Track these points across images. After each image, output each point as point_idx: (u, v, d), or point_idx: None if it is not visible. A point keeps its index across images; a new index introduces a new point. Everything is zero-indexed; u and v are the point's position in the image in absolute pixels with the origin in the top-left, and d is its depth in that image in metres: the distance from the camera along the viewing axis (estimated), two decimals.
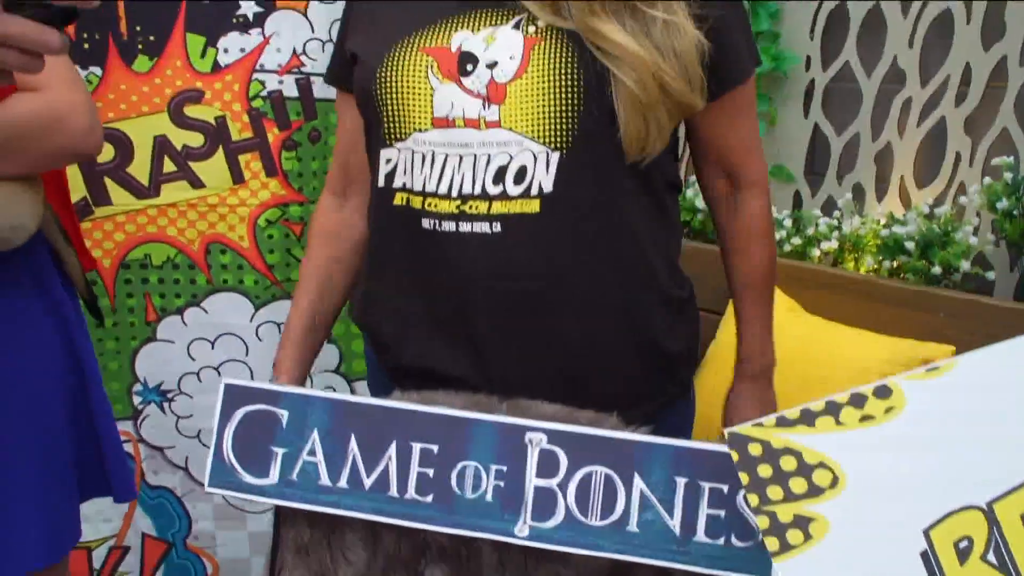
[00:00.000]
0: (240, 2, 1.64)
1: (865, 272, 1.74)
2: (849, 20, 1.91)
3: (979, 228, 1.70)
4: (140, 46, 1.64)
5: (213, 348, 1.80)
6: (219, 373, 1.80)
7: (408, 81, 0.94)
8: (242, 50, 1.66)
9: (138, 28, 1.64)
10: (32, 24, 0.70)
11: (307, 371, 1.17)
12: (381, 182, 0.99)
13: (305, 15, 1.68)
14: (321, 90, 1.72)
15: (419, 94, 0.93)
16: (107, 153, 1.67)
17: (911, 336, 1.56)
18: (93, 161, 1.65)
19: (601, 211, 0.94)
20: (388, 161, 0.97)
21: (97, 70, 1.64)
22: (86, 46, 1.62)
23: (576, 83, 0.89)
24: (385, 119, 0.96)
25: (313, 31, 1.69)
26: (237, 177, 1.71)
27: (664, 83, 0.88)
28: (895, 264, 1.70)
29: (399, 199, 0.97)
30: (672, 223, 1.04)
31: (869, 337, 1.56)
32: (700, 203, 2.00)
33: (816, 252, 1.84)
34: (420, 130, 0.94)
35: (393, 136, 0.96)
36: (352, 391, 1.96)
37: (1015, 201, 1.52)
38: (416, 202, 0.95)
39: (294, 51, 1.69)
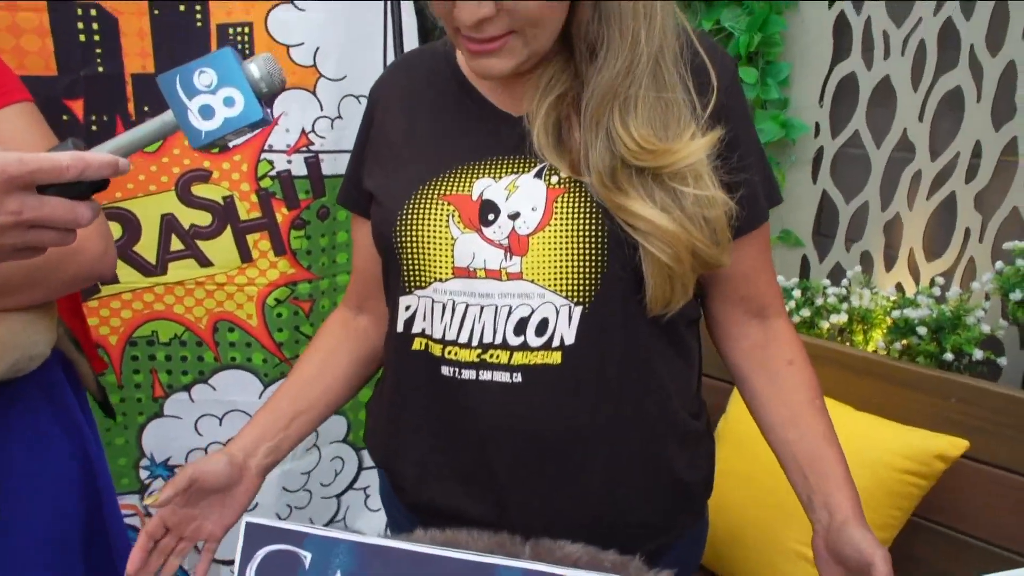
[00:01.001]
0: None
1: (874, 349, 1.73)
2: (859, 90, 1.91)
3: (989, 309, 1.70)
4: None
5: (221, 424, 1.79)
6: None
7: (429, 230, 0.93)
8: None
9: (146, 108, 1.62)
10: (64, 203, 0.69)
11: (273, 456, 1.06)
12: (400, 327, 0.97)
13: (314, 93, 1.67)
14: (330, 167, 1.71)
15: (440, 243, 0.92)
16: (115, 232, 1.66)
17: (923, 420, 1.56)
18: None
19: (623, 363, 0.93)
20: (407, 308, 0.96)
21: None
22: (94, 127, 1.61)
23: (600, 239, 0.88)
24: (405, 268, 0.95)
25: (322, 109, 1.68)
26: (245, 256, 1.69)
27: (696, 251, 0.88)
28: (905, 343, 1.70)
29: (418, 344, 0.96)
30: (692, 358, 1.03)
31: (881, 425, 1.56)
32: None
33: (825, 324, 1.84)
34: (441, 279, 0.93)
35: (413, 284, 0.95)
36: (359, 461, 1.96)
37: None
38: (436, 349, 0.94)
39: (303, 130, 1.67)
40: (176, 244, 1.69)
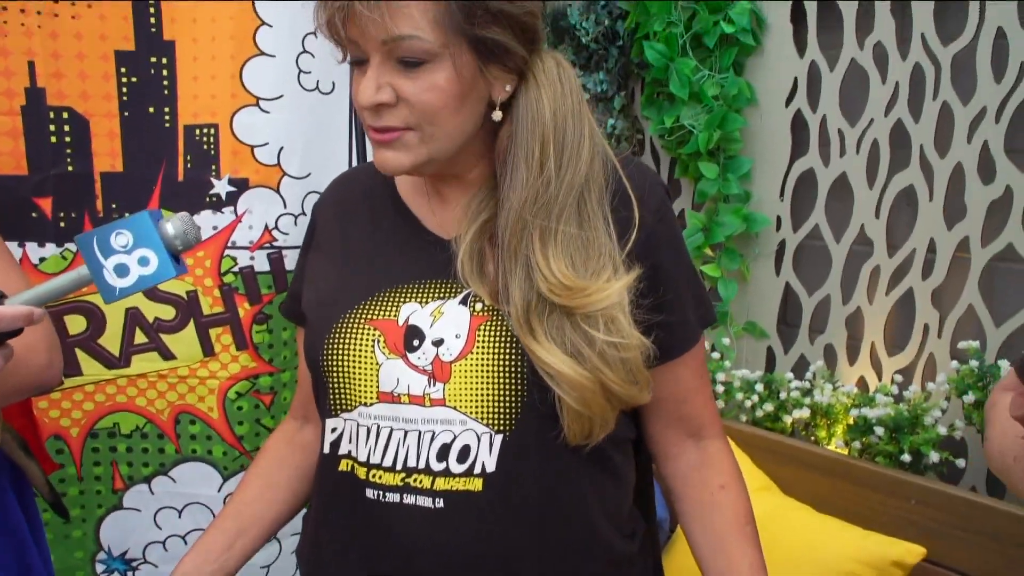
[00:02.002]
0: (214, 181, 1.67)
1: (834, 448, 1.73)
2: (817, 185, 1.95)
3: (949, 409, 1.70)
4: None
5: (180, 517, 1.78)
6: (185, 542, 1.78)
7: (354, 355, 0.94)
8: (215, 227, 1.68)
9: (114, 205, 1.66)
10: None
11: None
12: (326, 449, 0.98)
13: (278, 191, 1.71)
14: (293, 262, 1.73)
15: (365, 368, 0.94)
16: (79, 325, 1.68)
17: (884, 521, 1.56)
18: (64, 336, 1.66)
19: (544, 490, 0.93)
20: (333, 430, 0.97)
21: (72, 247, 1.65)
22: (62, 224, 1.64)
23: (520, 370, 0.89)
24: (331, 391, 0.96)
25: (285, 206, 1.72)
26: (208, 350, 1.71)
27: (609, 390, 0.88)
28: (865, 442, 1.70)
29: (344, 465, 0.97)
30: (623, 477, 1.03)
31: (840, 529, 1.55)
32: None
33: (788, 419, 1.84)
34: (365, 404, 0.94)
35: (339, 407, 0.96)
36: None
37: (982, 392, 1.52)
38: (361, 472, 0.95)
39: (266, 226, 1.70)
40: (140, 337, 1.71)
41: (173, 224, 0.76)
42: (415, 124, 0.86)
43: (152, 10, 1.61)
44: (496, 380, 0.90)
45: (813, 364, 1.92)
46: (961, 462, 1.65)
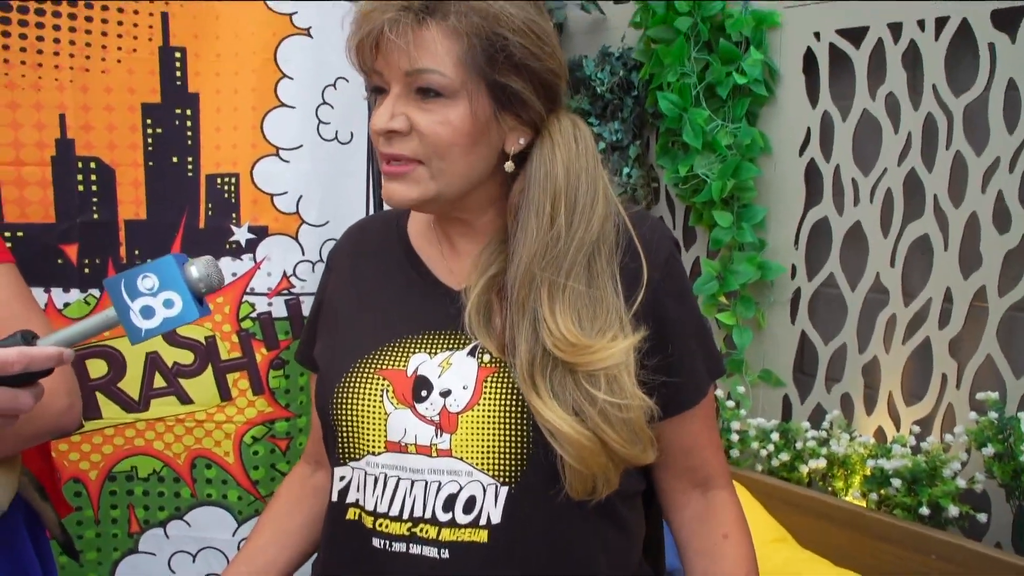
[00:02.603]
0: (234, 228, 1.70)
1: (852, 500, 1.71)
2: (832, 233, 1.95)
3: (970, 462, 1.67)
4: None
5: (194, 561, 1.79)
6: None
7: (363, 405, 0.95)
8: (234, 274, 1.71)
9: (137, 252, 1.70)
10: (7, 393, 0.74)
11: None
12: (335, 497, 0.99)
13: (296, 239, 1.74)
14: (309, 308, 1.76)
15: (374, 418, 0.95)
16: (100, 369, 1.71)
17: None
18: (85, 379, 1.69)
19: (549, 543, 0.93)
20: (342, 479, 0.98)
21: (96, 292, 1.69)
22: (87, 270, 1.68)
23: (525, 424, 0.90)
24: (340, 440, 0.97)
25: (303, 253, 1.75)
26: (224, 394, 1.73)
27: (611, 449, 0.88)
28: (882, 493, 1.67)
29: (351, 514, 0.97)
30: (632, 530, 1.02)
31: None
32: None
33: (805, 468, 1.82)
34: (373, 453, 0.95)
35: (347, 456, 0.97)
36: None
37: (1001, 444, 1.50)
38: (368, 520, 0.95)
39: (284, 273, 1.74)
40: (159, 381, 1.73)
41: (197, 267, 0.79)
42: (425, 157, 0.89)
43: (178, 64, 1.66)
44: (502, 432, 0.90)
45: (830, 413, 1.90)
46: (983, 517, 1.62)
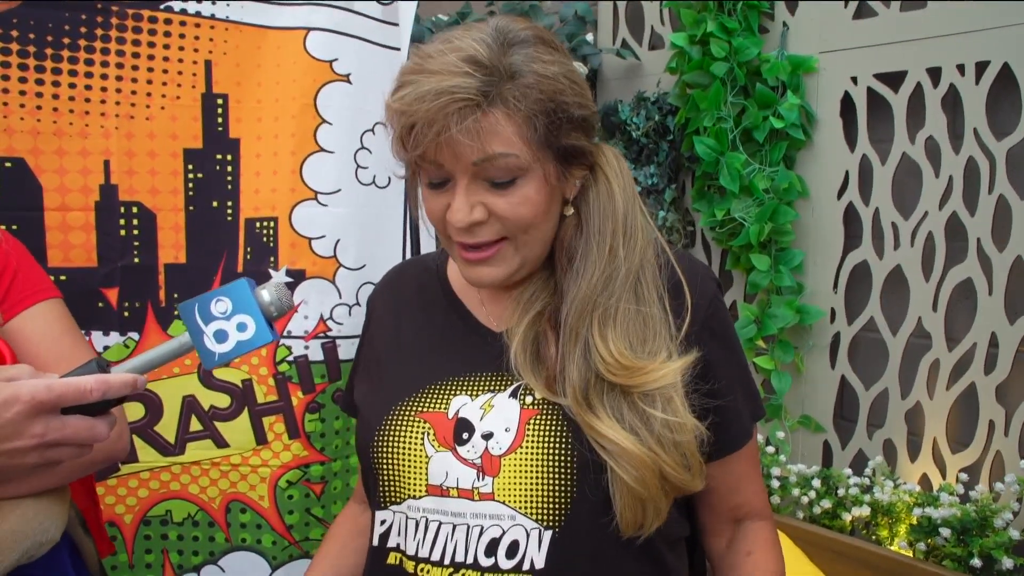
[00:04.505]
0: (272, 272, 1.71)
1: (897, 549, 1.66)
2: (872, 277, 1.92)
3: (1021, 513, 1.62)
4: (176, 312, 1.71)
5: None
6: None
7: (404, 448, 0.95)
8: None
9: (176, 295, 1.71)
10: (84, 423, 0.74)
11: None
12: (375, 541, 0.98)
13: (333, 282, 1.75)
14: (346, 352, 1.76)
15: (415, 461, 0.94)
16: (137, 412, 1.71)
17: None
18: None
19: None
20: (383, 523, 0.97)
21: (135, 335, 1.70)
22: (126, 314, 1.69)
23: (570, 463, 0.89)
24: (381, 483, 0.97)
25: (340, 296, 1.75)
26: (260, 438, 1.73)
27: (665, 475, 0.88)
28: (930, 543, 1.62)
29: (393, 558, 0.96)
30: (673, 574, 1.01)
31: None
32: None
33: (848, 516, 1.78)
34: (414, 497, 0.94)
35: (388, 500, 0.96)
36: None
37: None
38: (409, 566, 0.94)
39: (321, 317, 1.74)
40: (195, 425, 1.73)
41: (268, 291, 0.79)
42: (509, 235, 0.90)
43: (220, 110, 1.69)
44: (546, 474, 0.89)
45: (872, 460, 1.86)
46: None
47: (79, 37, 1.61)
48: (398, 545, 0.96)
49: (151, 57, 1.65)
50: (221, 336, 0.78)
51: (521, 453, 0.90)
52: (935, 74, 1.81)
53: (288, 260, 1.72)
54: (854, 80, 1.93)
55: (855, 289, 1.97)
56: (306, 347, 1.73)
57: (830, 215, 1.98)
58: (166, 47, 1.65)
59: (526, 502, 0.90)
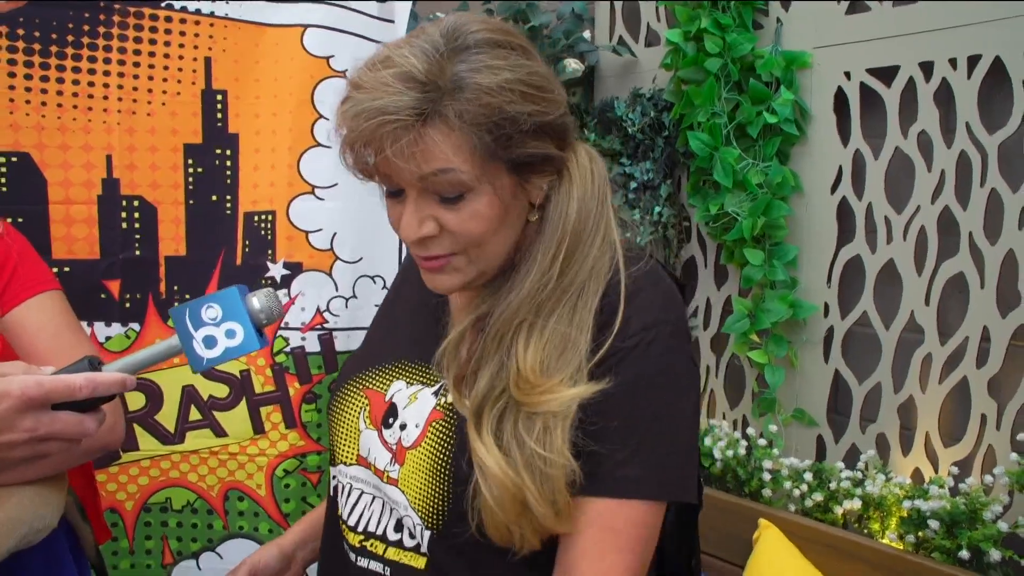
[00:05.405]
0: (270, 265, 1.75)
1: (888, 542, 1.67)
2: (865, 272, 1.93)
3: (1013, 506, 1.63)
4: (176, 304, 1.75)
5: None
6: None
7: (346, 418, 1.01)
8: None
9: (176, 287, 1.75)
10: (73, 418, 0.77)
11: (314, 556, 1.17)
12: (331, 492, 1.06)
13: (330, 275, 1.78)
14: (343, 343, 1.79)
15: (350, 432, 1.00)
16: (138, 401, 1.75)
17: None
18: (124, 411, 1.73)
19: None
20: (334, 478, 1.05)
21: (136, 326, 1.74)
22: (127, 305, 1.73)
23: (449, 473, 0.88)
24: (331, 442, 1.05)
25: (337, 289, 1.78)
26: (258, 428, 1.76)
27: (527, 503, 0.83)
28: (920, 536, 1.63)
29: (339, 511, 1.03)
30: None
31: None
32: (717, 452, 1.98)
33: (839, 510, 1.79)
34: (346, 463, 1.00)
35: (335, 459, 1.04)
36: None
37: None
38: (341, 524, 1.01)
39: (318, 309, 1.77)
40: (194, 414, 1.77)
41: (259, 298, 0.81)
42: (460, 249, 0.87)
43: (219, 106, 1.73)
44: (432, 476, 0.90)
45: (864, 454, 1.87)
46: None
47: (82, 35, 1.65)
48: (339, 502, 1.03)
49: (152, 54, 1.69)
50: (210, 342, 0.80)
51: (420, 451, 0.92)
52: (927, 68, 1.82)
53: (286, 253, 1.76)
54: (847, 75, 1.94)
55: (848, 283, 1.98)
56: (303, 339, 1.77)
57: (824, 210, 1.99)
58: (167, 44, 1.70)
59: (417, 497, 0.91)
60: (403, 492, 0.93)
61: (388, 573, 0.94)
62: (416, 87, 0.80)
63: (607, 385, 0.84)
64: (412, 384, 0.97)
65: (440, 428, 0.92)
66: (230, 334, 0.80)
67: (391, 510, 0.94)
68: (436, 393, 0.95)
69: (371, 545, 0.96)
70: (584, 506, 0.85)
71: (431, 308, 1.02)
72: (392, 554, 0.94)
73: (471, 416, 0.87)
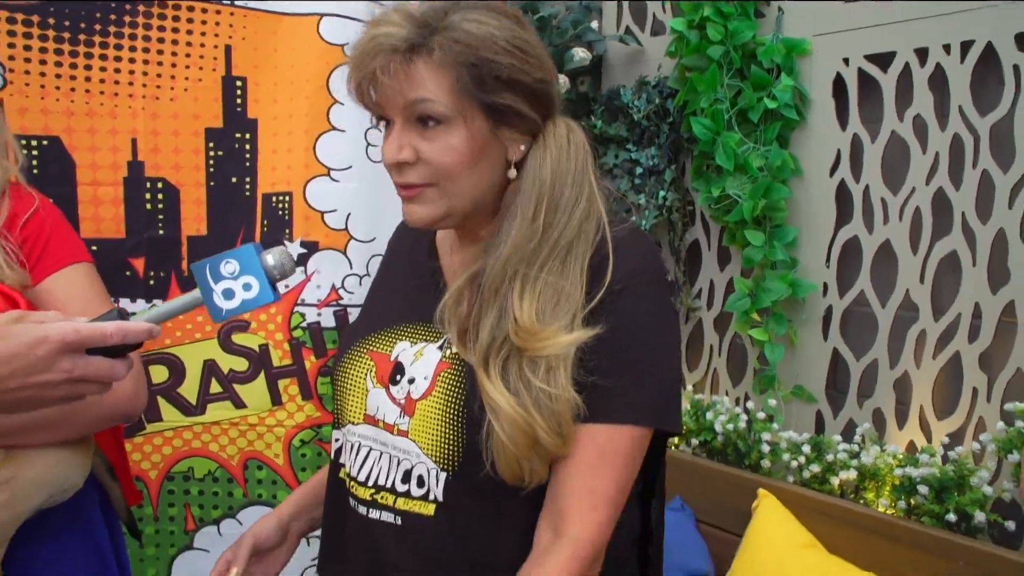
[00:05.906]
0: (287, 243, 1.83)
1: (882, 510, 1.73)
2: (862, 252, 1.99)
3: (999, 473, 1.68)
4: (187, 272, 1.84)
5: None
6: None
7: (352, 380, 1.07)
8: (287, 286, 1.83)
9: None
10: (106, 362, 0.85)
11: (310, 525, 1.23)
12: (332, 455, 1.12)
13: (345, 253, 1.86)
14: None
15: (357, 393, 1.06)
16: (161, 375, 1.84)
17: None
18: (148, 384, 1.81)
19: (486, 524, 0.99)
20: (336, 441, 1.11)
21: (159, 302, 1.82)
22: (151, 282, 1.82)
23: (462, 417, 0.96)
24: (336, 407, 1.11)
25: (351, 267, 1.86)
26: (276, 399, 1.84)
27: (537, 437, 0.92)
28: (911, 502, 1.69)
29: (342, 473, 1.09)
30: None
31: None
32: (719, 426, 2.04)
33: (836, 480, 1.85)
34: (354, 423, 1.06)
35: (340, 422, 1.10)
36: None
37: None
38: (347, 482, 1.07)
39: (333, 286, 1.85)
40: (215, 387, 1.85)
41: (272, 255, 0.88)
42: (434, 180, 0.95)
43: (239, 92, 1.81)
44: (445, 422, 0.98)
45: (860, 427, 1.93)
46: (1011, 524, 1.62)
47: (109, 24, 1.74)
48: (343, 463, 1.09)
49: (175, 42, 1.77)
50: (229, 294, 0.87)
51: (431, 401, 0.99)
52: (922, 54, 1.88)
53: (302, 232, 1.84)
54: (846, 61, 2.00)
55: (846, 263, 2.04)
56: (319, 314, 1.85)
57: (823, 192, 2.05)
58: (189, 33, 1.78)
59: (430, 443, 0.99)
60: (414, 441, 0.99)
61: (400, 522, 1.00)
62: (413, 23, 0.92)
63: (601, 330, 0.93)
64: (416, 343, 1.04)
65: (449, 377, 0.99)
66: (247, 287, 0.86)
67: (399, 462, 1.01)
68: (440, 347, 1.02)
69: (382, 497, 1.01)
70: (583, 431, 0.95)
71: (423, 274, 1.09)
72: (402, 504, 1.00)
73: (479, 363, 0.94)
